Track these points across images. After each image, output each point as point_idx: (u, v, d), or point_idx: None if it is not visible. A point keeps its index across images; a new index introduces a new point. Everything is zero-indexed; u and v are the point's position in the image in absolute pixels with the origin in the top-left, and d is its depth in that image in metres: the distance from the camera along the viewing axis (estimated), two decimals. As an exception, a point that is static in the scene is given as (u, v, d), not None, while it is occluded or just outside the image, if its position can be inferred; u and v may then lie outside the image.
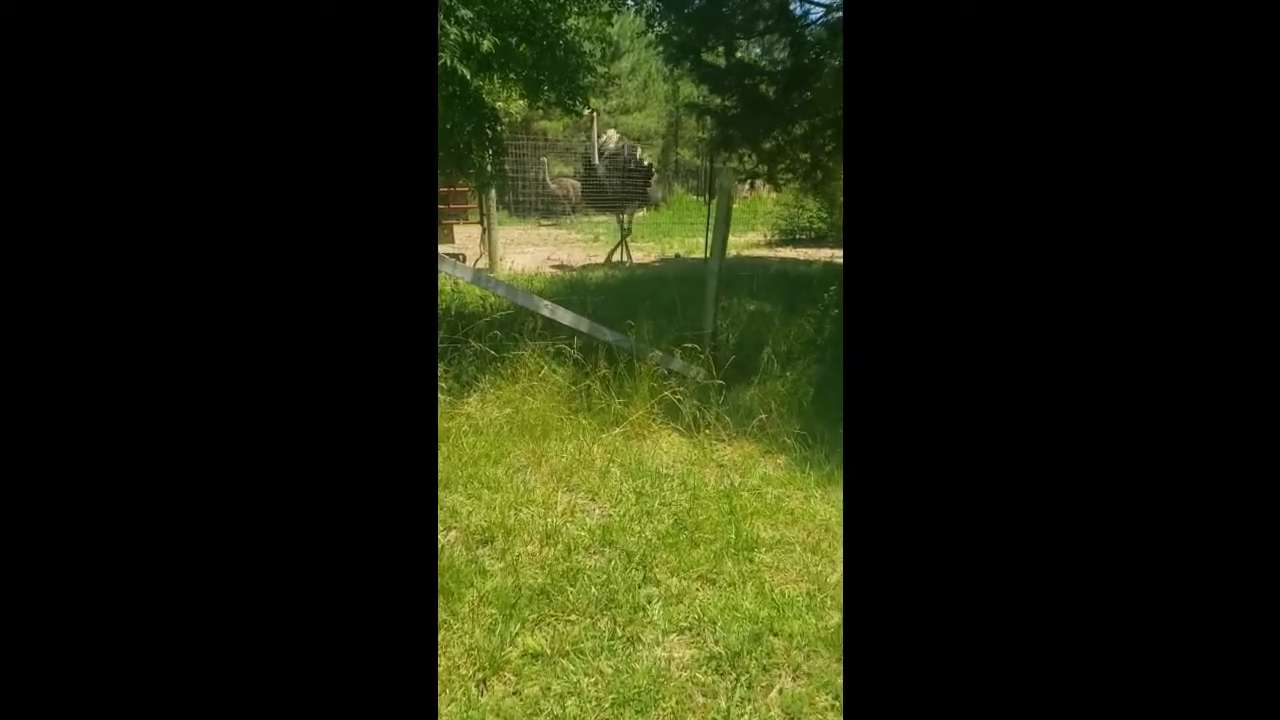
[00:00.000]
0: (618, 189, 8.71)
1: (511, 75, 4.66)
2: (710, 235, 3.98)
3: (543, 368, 3.46)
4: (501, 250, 10.40)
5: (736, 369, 3.90)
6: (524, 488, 2.62)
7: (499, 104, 5.55)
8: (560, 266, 8.62)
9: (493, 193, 7.97)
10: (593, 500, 2.59)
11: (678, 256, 10.28)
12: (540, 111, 8.33)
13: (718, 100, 6.66)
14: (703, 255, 10.01)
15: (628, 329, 3.68)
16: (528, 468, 2.81)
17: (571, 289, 6.06)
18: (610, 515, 2.47)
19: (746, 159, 6.75)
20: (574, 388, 3.36)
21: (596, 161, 8.76)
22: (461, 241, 10.26)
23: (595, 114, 8.68)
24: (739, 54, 6.43)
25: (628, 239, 9.23)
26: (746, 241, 11.94)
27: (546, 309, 3.56)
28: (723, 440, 3.12)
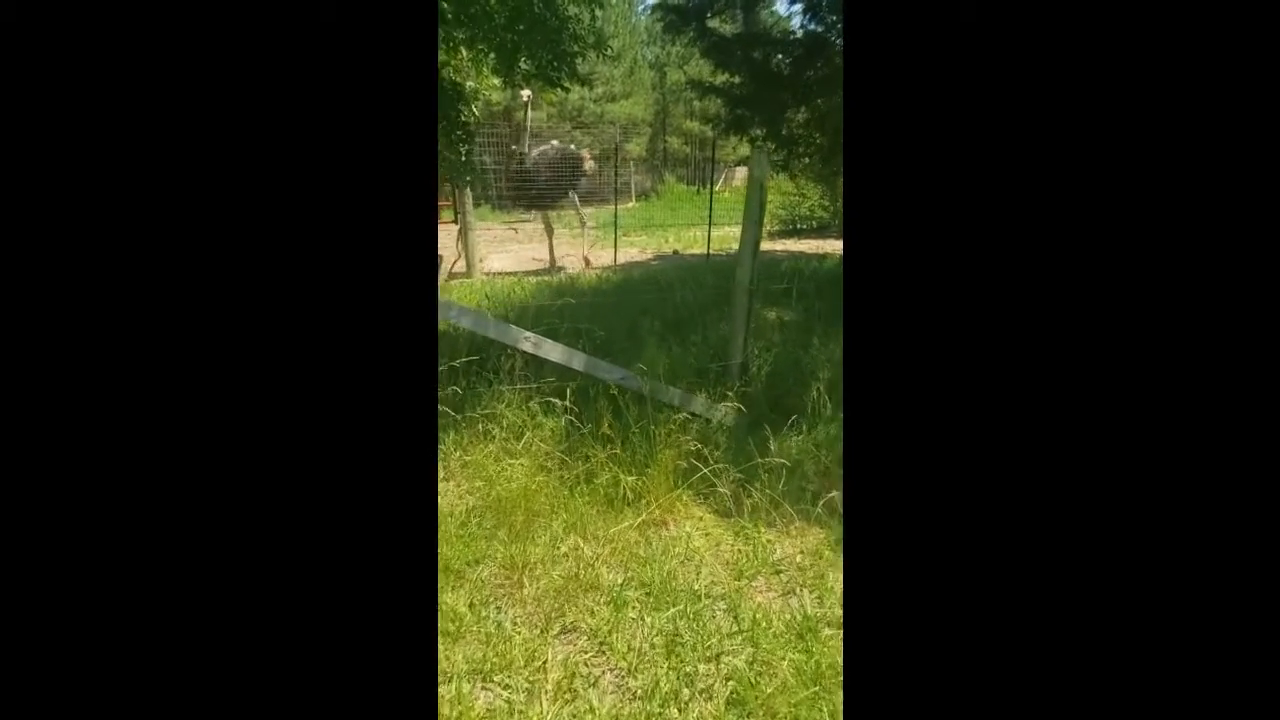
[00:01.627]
0: (546, 182, 7.53)
1: (480, 46, 3.75)
2: (739, 234, 3.11)
3: (525, 426, 2.59)
4: (483, 250, 9.50)
5: (776, 408, 3.05)
6: (497, 633, 1.76)
7: (469, 84, 4.63)
8: (545, 269, 7.72)
9: (468, 188, 7.03)
10: (602, 653, 1.72)
11: (676, 253, 9.40)
12: (519, 93, 7.29)
13: (724, 76, 5.77)
14: (703, 250, 9.21)
15: (637, 370, 2.80)
16: (503, 591, 1.94)
17: (560, 298, 5.17)
18: (630, 687, 1.60)
19: (760, 141, 5.85)
20: (568, 455, 2.49)
21: (526, 148, 7.53)
22: (442, 241, 9.34)
23: (531, 94, 7.43)
24: (759, 10, 5.51)
25: (562, 237, 8.03)
26: (730, 235, 11.03)
27: (528, 343, 2.68)
28: (776, 527, 2.26)
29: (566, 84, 3.74)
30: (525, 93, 7.27)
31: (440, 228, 9.89)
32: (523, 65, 3.69)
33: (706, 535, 2.24)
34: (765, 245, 9.75)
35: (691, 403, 2.89)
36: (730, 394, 2.97)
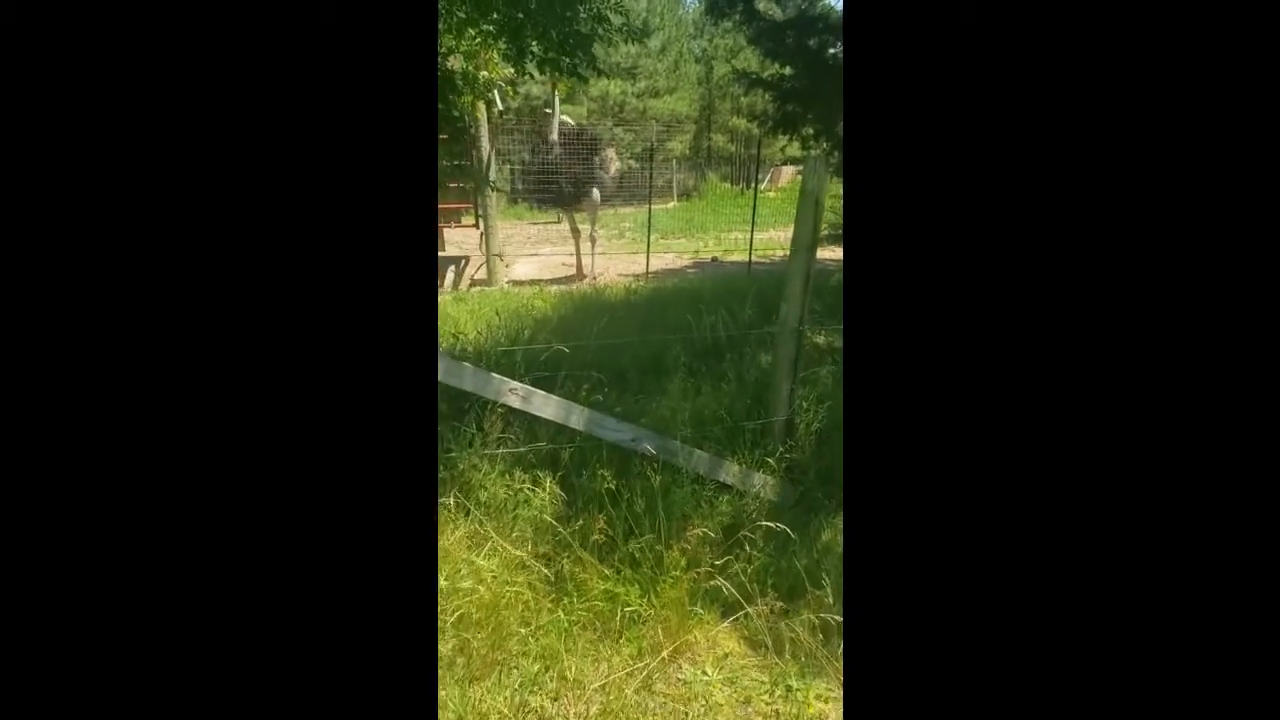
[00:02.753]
0: (569, 178, 6.76)
1: (485, 26, 3.20)
2: (788, 253, 2.51)
3: (505, 507, 2.03)
4: (512, 253, 9.01)
5: (830, 480, 2.44)
6: None
7: (483, 73, 4.10)
8: (570, 277, 7.17)
9: (489, 187, 6.52)
10: None
11: (715, 260, 8.76)
12: (543, 82, 6.66)
13: (774, 67, 5.14)
14: (744, 257, 8.55)
15: (653, 422, 2.21)
16: (442, 779, 1.39)
17: (580, 315, 4.62)
18: None
19: (813, 141, 5.20)
20: (554, 554, 1.92)
21: (555, 138, 6.68)
22: (470, 245, 8.88)
23: (555, 84, 6.75)
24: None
25: (586, 243, 7.32)
26: (789, 239, 10.23)
27: (516, 396, 2.13)
28: (826, 676, 1.66)
29: (583, 71, 3.17)
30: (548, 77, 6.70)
31: (462, 231, 9.46)
32: (534, 49, 3.13)
33: (731, 683, 1.65)
34: (818, 253, 9.02)
35: (720, 470, 2.30)
36: (770, 460, 2.37)
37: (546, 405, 2.15)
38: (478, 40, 3.53)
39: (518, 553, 1.83)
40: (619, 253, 9.03)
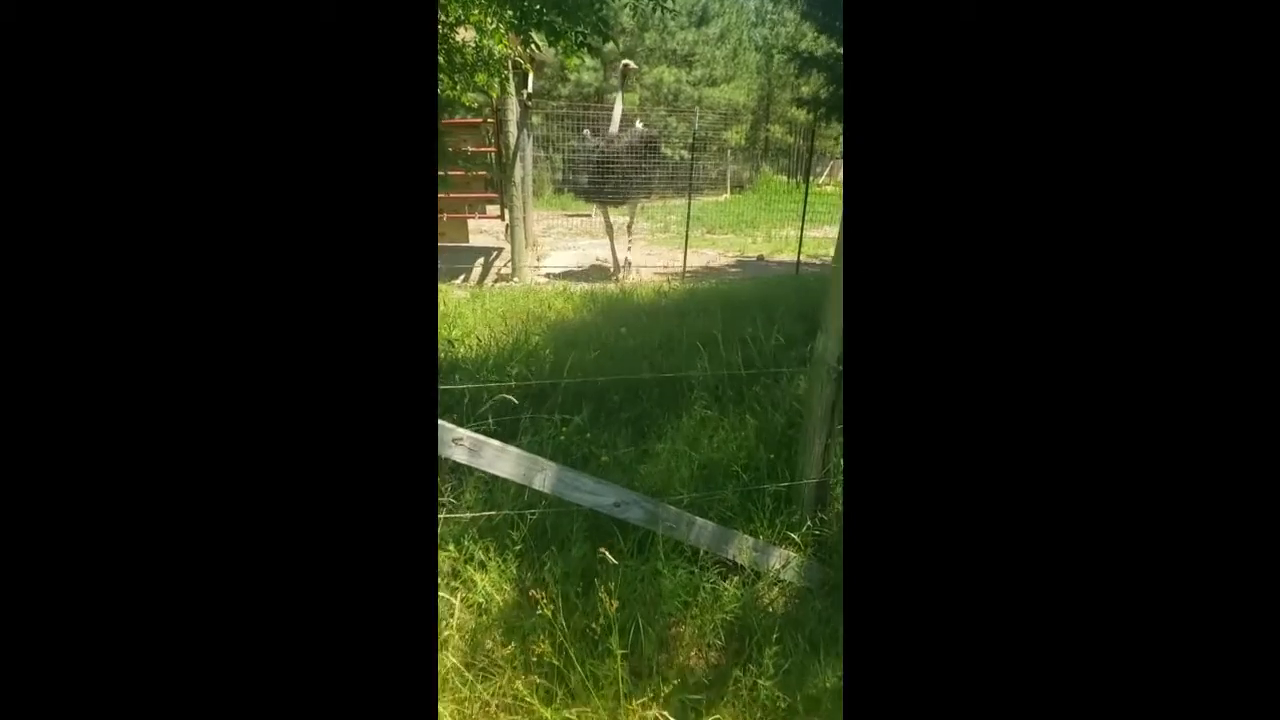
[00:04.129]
0: (623, 173, 6.18)
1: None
2: (832, 274, 1.98)
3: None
4: (549, 245, 8.60)
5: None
6: None
7: (499, 47, 3.64)
8: (593, 270, 6.70)
9: (522, 178, 6.08)
10: None
11: (761, 259, 8.16)
12: (621, 64, 6.14)
13: (831, 46, 4.54)
14: (793, 256, 7.93)
15: (651, 476, 1.71)
16: None
17: (600, 321, 4.14)
18: None
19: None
20: (493, 667, 1.45)
21: (615, 129, 6.16)
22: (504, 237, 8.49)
23: (626, 68, 6.19)
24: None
25: (619, 242, 6.80)
26: (829, 238, 9.41)
27: (462, 448, 1.66)
28: None
29: (592, 41, 2.67)
30: (625, 63, 6.18)
31: (491, 221, 9.07)
32: (542, 15, 2.64)
33: None
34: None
35: (729, 545, 1.80)
36: (795, 535, 1.85)
37: (502, 459, 1.68)
38: (483, 10, 3.07)
39: (455, 641, 1.36)
40: (660, 247, 8.53)
